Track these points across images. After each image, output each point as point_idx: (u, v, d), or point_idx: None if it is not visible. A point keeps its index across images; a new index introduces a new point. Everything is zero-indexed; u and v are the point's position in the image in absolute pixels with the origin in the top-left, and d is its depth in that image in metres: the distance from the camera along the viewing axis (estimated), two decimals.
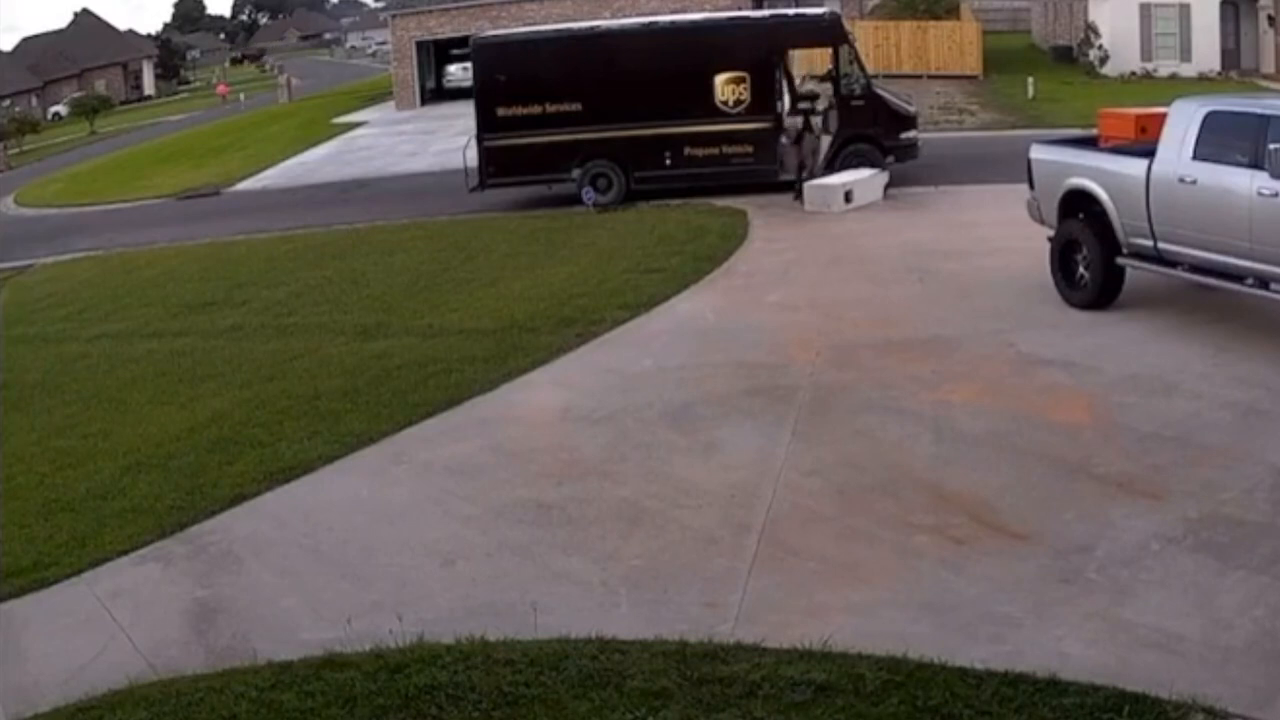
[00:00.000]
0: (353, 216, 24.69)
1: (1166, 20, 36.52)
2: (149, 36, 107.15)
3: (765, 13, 28.47)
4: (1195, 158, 11.38)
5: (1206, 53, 35.84)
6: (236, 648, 7.61)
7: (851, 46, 22.01)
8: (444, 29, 44.49)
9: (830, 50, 21.99)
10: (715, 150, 21.25)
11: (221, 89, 74.91)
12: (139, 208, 31.76)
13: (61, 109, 77.79)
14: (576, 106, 21.71)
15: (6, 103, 75.63)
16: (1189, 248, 11.53)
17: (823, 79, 24.56)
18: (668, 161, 21.49)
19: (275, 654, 7.35)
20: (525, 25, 31.53)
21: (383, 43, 75.49)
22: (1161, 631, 6.71)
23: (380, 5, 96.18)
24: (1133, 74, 35.96)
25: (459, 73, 43.00)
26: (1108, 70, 36.55)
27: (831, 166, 20.97)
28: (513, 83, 22.06)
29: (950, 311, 13.20)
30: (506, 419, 11.41)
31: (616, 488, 9.43)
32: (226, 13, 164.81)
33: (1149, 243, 11.96)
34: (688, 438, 10.34)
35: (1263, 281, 10.87)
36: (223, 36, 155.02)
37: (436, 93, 47.08)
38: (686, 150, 21.30)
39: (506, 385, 12.22)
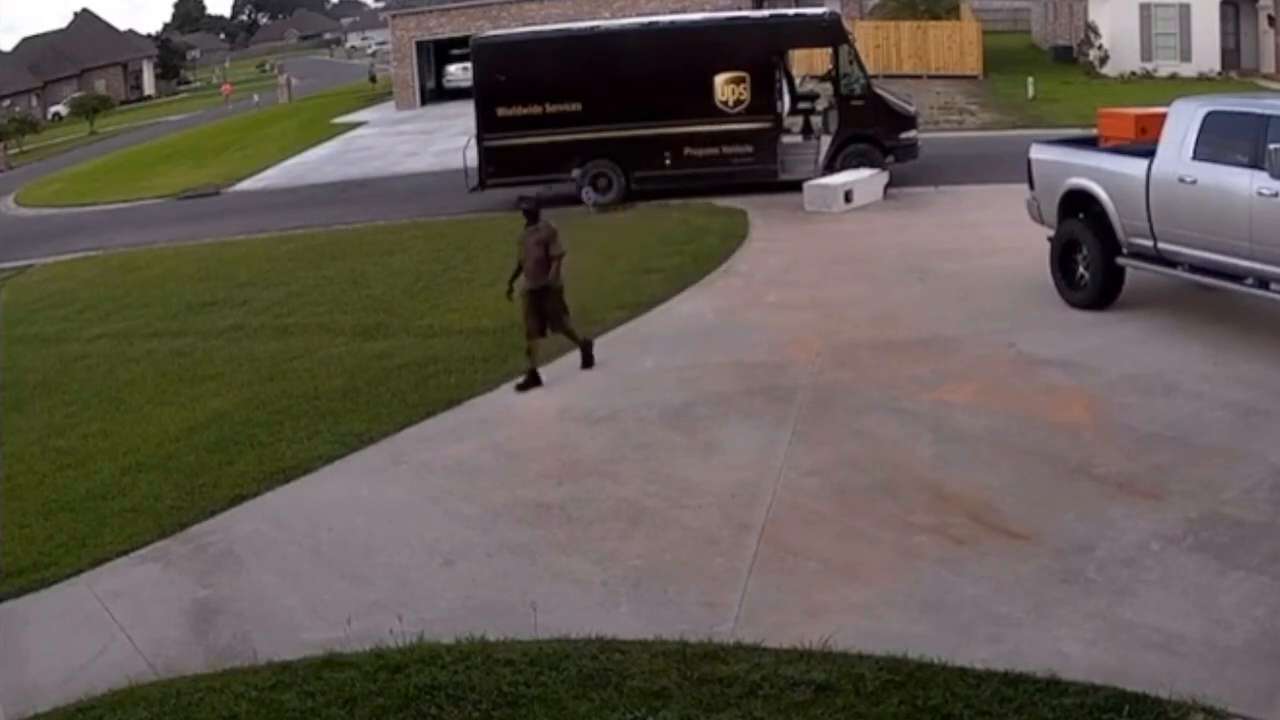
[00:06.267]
0: (353, 216, 24.68)
1: (1166, 20, 36.51)
2: (149, 36, 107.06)
3: (765, 13, 28.48)
4: (1195, 158, 11.37)
5: (1206, 53, 35.82)
6: (236, 648, 7.62)
7: (851, 46, 21.99)
8: (444, 29, 44.51)
9: (830, 50, 22.00)
10: (715, 150, 21.24)
11: (226, 88, 75.00)
12: (139, 208, 31.74)
13: (61, 109, 77.70)
14: (576, 106, 21.70)
15: (6, 103, 75.65)
16: (1189, 248, 11.53)
17: (823, 79, 24.58)
18: (668, 161, 21.49)
19: (275, 654, 7.35)
20: (525, 25, 31.56)
21: (383, 43, 75.47)
22: (1161, 631, 6.71)
23: (380, 5, 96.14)
24: (1132, 74, 35.95)
25: (459, 73, 43.01)
26: (1108, 70, 36.55)
27: (831, 166, 20.98)
28: (513, 83, 22.05)
29: (950, 311, 13.20)
30: (506, 419, 11.41)
31: (616, 488, 9.43)
32: (226, 13, 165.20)
33: (1149, 243, 11.95)
34: (688, 438, 10.34)
35: (1263, 281, 10.86)
36: (223, 36, 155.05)
37: (436, 93, 47.09)
38: (686, 150, 21.30)
39: (506, 385, 12.22)
